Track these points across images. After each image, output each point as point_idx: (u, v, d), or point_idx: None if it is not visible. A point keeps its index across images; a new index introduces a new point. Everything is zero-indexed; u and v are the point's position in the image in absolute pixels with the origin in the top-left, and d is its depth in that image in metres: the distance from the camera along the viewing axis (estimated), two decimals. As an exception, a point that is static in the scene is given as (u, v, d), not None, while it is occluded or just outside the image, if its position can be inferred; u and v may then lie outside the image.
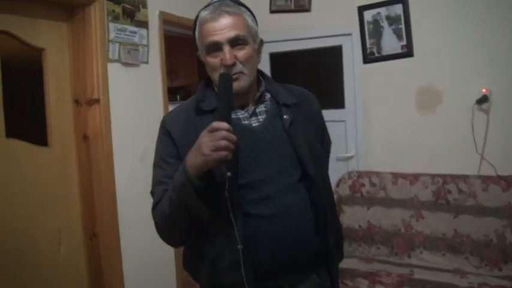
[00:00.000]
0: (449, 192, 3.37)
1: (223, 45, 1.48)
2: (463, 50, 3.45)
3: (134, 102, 3.11)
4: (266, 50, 4.19)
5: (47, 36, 2.73)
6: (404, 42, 3.66)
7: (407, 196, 3.52)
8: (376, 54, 3.78)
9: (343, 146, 4.01)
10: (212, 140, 1.31)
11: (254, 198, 1.50)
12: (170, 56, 5.31)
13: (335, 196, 3.65)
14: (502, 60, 3.32)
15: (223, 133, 1.32)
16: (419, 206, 3.46)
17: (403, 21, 3.64)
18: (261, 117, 1.59)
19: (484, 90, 3.35)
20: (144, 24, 3.14)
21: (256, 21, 1.60)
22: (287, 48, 4.17)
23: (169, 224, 1.49)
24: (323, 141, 1.77)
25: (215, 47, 1.49)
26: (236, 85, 1.47)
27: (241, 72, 1.51)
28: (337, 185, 3.79)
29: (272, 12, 4.09)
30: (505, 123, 3.33)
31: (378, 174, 3.69)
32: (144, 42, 3.15)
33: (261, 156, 1.53)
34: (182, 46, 5.84)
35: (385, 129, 3.81)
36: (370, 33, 3.78)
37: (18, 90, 2.62)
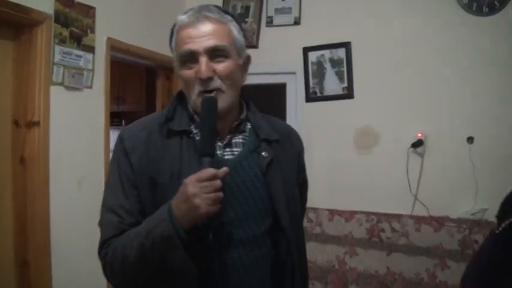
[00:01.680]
0: (383, 230, 3.48)
1: (200, 56, 1.27)
2: (400, 95, 3.62)
3: (75, 127, 3.05)
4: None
5: (-10, 55, 2.66)
6: (345, 85, 3.80)
7: (342, 233, 3.60)
8: (319, 94, 3.90)
9: (283, 181, 4.06)
10: (208, 192, 1.14)
11: (205, 247, 1.26)
12: (118, 81, 5.25)
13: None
14: (437, 107, 3.50)
15: (219, 183, 1.15)
16: (354, 242, 3.54)
17: (345, 65, 3.78)
18: (236, 150, 1.37)
19: (419, 135, 3.51)
20: (90, 49, 3.11)
21: (244, 34, 1.39)
22: (233, 82, 4.22)
23: (131, 273, 1.24)
24: (302, 186, 1.59)
25: (191, 58, 1.28)
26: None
27: (220, 89, 1.29)
28: (276, 220, 3.82)
29: (220, 46, 4.14)
30: (438, 166, 3.49)
31: (315, 210, 3.76)
32: (89, 66, 3.12)
33: (227, 195, 1.23)
34: (131, 71, 5.80)
35: (325, 166, 3.90)
36: (313, 74, 3.91)
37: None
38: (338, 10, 3.82)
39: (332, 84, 3.86)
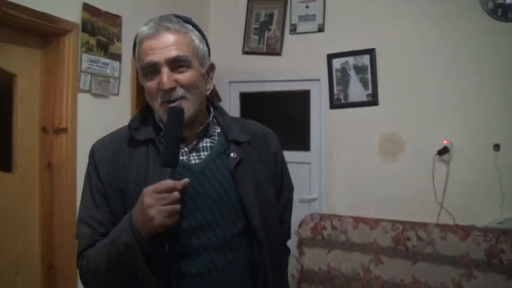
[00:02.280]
0: (409, 239, 3.43)
1: (162, 67, 1.27)
2: (426, 102, 3.59)
3: (101, 134, 3.07)
4: (237, 89, 4.29)
5: (20, 63, 2.72)
6: (370, 91, 3.78)
7: (367, 240, 3.57)
8: (343, 101, 3.89)
9: (307, 188, 4.06)
10: (164, 204, 1.13)
11: (179, 252, 1.27)
12: (142, 88, 5.29)
13: (296, 238, 3.72)
14: (463, 114, 3.47)
15: (177, 195, 1.14)
16: (379, 251, 3.50)
17: (369, 71, 3.77)
18: (204, 154, 1.37)
19: (445, 142, 3.47)
20: (117, 57, 3.16)
21: (206, 42, 1.39)
22: (257, 89, 4.25)
23: (104, 281, 1.26)
24: (281, 187, 1.54)
25: (153, 69, 1.29)
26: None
27: (184, 97, 1.29)
28: (299, 227, 3.81)
29: (245, 53, 4.18)
30: (465, 174, 3.44)
31: (339, 217, 3.74)
32: (116, 74, 3.17)
33: (195, 200, 1.28)
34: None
35: (348, 173, 3.88)
36: (337, 80, 3.90)
37: (-15, 114, 2.60)
38: (362, 17, 3.82)
39: (356, 91, 3.85)
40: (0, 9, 2.36)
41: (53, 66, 2.82)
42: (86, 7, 2.90)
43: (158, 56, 1.27)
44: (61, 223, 2.82)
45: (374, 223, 3.59)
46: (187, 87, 1.30)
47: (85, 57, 2.91)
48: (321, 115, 4.03)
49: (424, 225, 3.44)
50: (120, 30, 3.18)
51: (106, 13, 3.06)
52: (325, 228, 3.74)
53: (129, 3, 3.33)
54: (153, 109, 1.37)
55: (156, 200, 1.13)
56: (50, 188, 2.83)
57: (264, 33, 4.16)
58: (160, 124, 1.38)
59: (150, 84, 1.30)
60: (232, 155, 1.36)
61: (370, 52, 3.77)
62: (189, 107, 1.30)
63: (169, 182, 1.14)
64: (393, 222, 3.54)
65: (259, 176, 1.40)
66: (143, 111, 1.43)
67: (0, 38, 2.59)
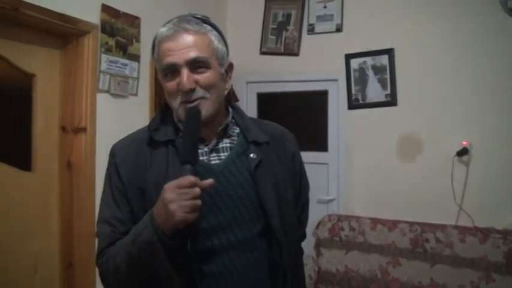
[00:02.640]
0: (427, 240, 3.40)
1: (181, 68, 1.29)
2: (445, 102, 3.55)
3: (120, 133, 3.07)
4: (254, 90, 4.29)
5: (39, 63, 2.75)
6: (388, 92, 3.75)
7: (385, 242, 3.54)
8: (361, 101, 3.87)
9: (324, 188, 4.05)
10: (185, 199, 1.14)
11: (199, 251, 1.27)
12: (160, 88, 5.33)
13: (314, 239, 3.71)
14: (483, 114, 3.42)
15: (198, 191, 1.16)
16: (397, 252, 3.48)
17: (388, 72, 3.74)
18: (224, 154, 1.38)
19: (464, 143, 3.43)
20: (135, 58, 3.19)
21: (225, 42, 1.40)
22: (274, 90, 4.25)
23: (124, 280, 1.27)
24: (300, 187, 1.55)
25: (172, 70, 1.30)
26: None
27: (203, 98, 1.31)
28: (317, 228, 3.80)
29: (262, 53, 4.18)
30: (484, 176, 3.40)
31: (357, 218, 3.72)
32: (135, 75, 3.19)
33: (215, 200, 1.29)
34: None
35: (367, 174, 3.86)
36: (355, 81, 3.88)
37: (6, 113, 2.63)
38: (380, 16, 3.79)
39: (375, 91, 3.82)
40: (20, 10, 2.40)
41: (73, 66, 2.85)
42: (105, 8, 2.93)
43: (177, 58, 1.29)
44: (80, 222, 2.85)
45: (392, 224, 3.57)
46: (206, 87, 1.31)
47: (104, 57, 2.93)
48: (338, 115, 4.01)
49: (442, 227, 3.40)
50: (138, 31, 3.20)
51: (125, 14, 3.08)
52: (342, 229, 3.73)
53: (148, 4, 3.36)
54: (171, 109, 1.39)
55: (177, 195, 1.14)
56: (69, 187, 2.87)
57: (281, 33, 4.16)
58: (179, 124, 1.39)
59: (170, 85, 1.32)
60: (252, 155, 1.37)
61: (389, 52, 3.74)
62: (208, 107, 1.32)
63: (190, 178, 1.15)
64: (411, 223, 3.51)
65: (278, 177, 1.41)
66: (162, 111, 1.45)
67: (20, 38, 2.63)
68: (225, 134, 1.41)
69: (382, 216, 3.66)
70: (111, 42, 2.98)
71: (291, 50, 4.11)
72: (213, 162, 1.36)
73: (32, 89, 2.74)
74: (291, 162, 1.50)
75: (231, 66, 1.44)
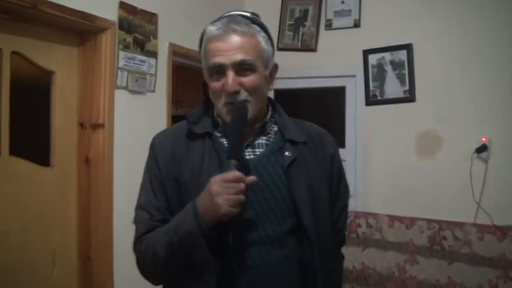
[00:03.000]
0: (445, 238, 3.38)
1: (227, 70, 1.29)
2: (464, 98, 3.50)
3: (138, 130, 3.15)
4: (271, 86, 4.27)
5: (58, 60, 2.79)
6: (406, 88, 3.72)
7: (402, 240, 3.52)
8: (379, 97, 3.84)
9: (341, 185, 4.02)
10: (231, 193, 1.17)
11: (226, 245, 1.27)
12: (176, 84, 5.36)
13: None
14: (503, 111, 3.37)
15: (243, 186, 1.18)
16: (414, 250, 3.46)
17: (406, 67, 3.70)
18: (258, 151, 1.38)
19: (483, 139, 3.38)
20: (153, 54, 3.20)
21: (272, 43, 1.41)
22: (291, 86, 4.23)
23: (161, 267, 1.31)
24: (337, 191, 1.52)
25: (218, 70, 1.31)
26: None
27: (246, 101, 1.32)
28: (334, 224, 3.79)
29: (279, 49, 4.16)
30: (503, 173, 3.35)
31: (374, 215, 3.70)
32: (152, 71, 3.21)
33: (247, 195, 1.24)
34: (189, 75, 5.90)
35: (384, 171, 3.83)
36: (373, 77, 3.85)
37: (25, 109, 2.67)
38: (399, 11, 3.75)
39: (393, 87, 3.79)
40: (39, 8, 2.43)
41: (91, 63, 2.88)
42: (123, 5, 2.95)
43: (224, 59, 1.29)
44: (97, 216, 2.89)
45: (410, 222, 3.54)
46: (250, 90, 1.32)
47: (122, 54, 2.95)
48: (356, 112, 3.98)
49: (460, 225, 3.37)
50: (156, 28, 3.22)
51: (142, 11, 3.10)
52: (360, 226, 3.72)
53: (165, 0, 3.37)
54: (212, 104, 1.41)
55: (224, 189, 1.17)
56: (87, 183, 2.90)
57: (298, 29, 4.14)
58: (219, 120, 1.41)
59: (215, 85, 1.33)
60: (286, 153, 1.37)
61: (407, 47, 3.70)
62: (251, 110, 1.33)
63: (236, 173, 1.18)
64: (429, 221, 3.48)
65: (313, 177, 1.40)
66: (203, 105, 1.47)
67: (39, 36, 2.67)
68: (262, 131, 1.42)
69: (400, 213, 3.63)
70: (129, 39, 3.00)
71: (308, 46, 4.10)
72: (247, 157, 1.37)
73: (50, 86, 2.78)
74: (329, 164, 1.49)
75: (275, 67, 1.45)
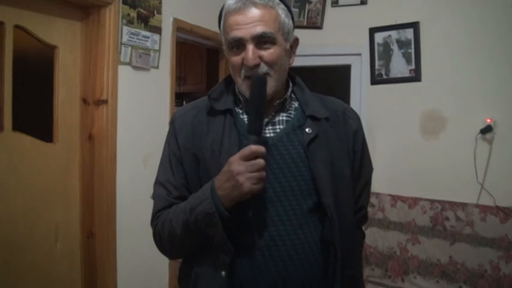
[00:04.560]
0: (447, 219, 3.38)
1: (247, 43, 1.27)
2: (470, 79, 3.47)
3: (141, 106, 3.13)
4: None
5: (61, 34, 2.76)
6: (412, 67, 3.68)
7: (405, 219, 3.53)
8: (384, 76, 3.80)
9: (344, 164, 4.02)
10: (252, 171, 1.16)
11: (245, 223, 1.27)
12: (179, 61, 5.34)
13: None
14: (508, 92, 3.33)
15: (263, 162, 1.18)
16: (416, 230, 3.47)
17: (413, 46, 3.66)
18: (279, 127, 1.36)
19: (488, 120, 3.36)
20: (157, 30, 3.17)
21: (292, 17, 1.37)
22: (297, 64, 4.17)
23: (177, 243, 1.34)
24: (360, 168, 1.49)
25: (238, 44, 1.29)
26: None
27: (267, 74, 1.30)
28: (336, 203, 3.80)
29: (284, 26, 4.11)
30: (507, 154, 3.33)
31: (377, 195, 3.70)
32: (156, 47, 3.18)
33: (266, 172, 1.22)
34: (192, 52, 5.88)
35: (388, 151, 3.82)
36: (379, 55, 3.81)
37: (28, 85, 2.65)
38: (406, -11, 3.69)
39: (399, 66, 3.75)
40: (42, -19, 2.39)
41: (94, 38, 2.85)
42: (127, -21, 2.90)
43: (244, 32, 1.27)
44: (101, 192, 2.89)
45: (412, 202, 3.55)
46: (271, 64, 1.30)
47: (125, 29, 2.92)
48: (361, 91, 3.96)
49: (463, 205, 3.37)
50: (160, 3, 3.18)
51: (146, -15, 3.06)
52: (362, 205, 3.72)
53: (170, -25, 3.32)
54: (232, 81, 1.40)
55: (245, 167, 1.16)
56: (90, 159, 2.90)
57: (304, 5, 4.09)
58: (240, 96, 1.40)
59: (235, 59, 1.31)
60: (307, 130, 1.34)
61: (414, 26, 3.65)
62: (271, 84, 1.31)
63: (252, 147, 1.17)
64: (432, 201, 3.49)
65: (335, 154, 1.37)
66: (224, 82, 1.45)
67: (42, 10, 2.64)
68: (282, 107, 1.40)
69: (403, 193, 3.63)
70: (133, 14, 2.96)
71: (314, 23, 4.05)
72: (267, 135, 1.35)
73: (53, 61, 2.75)
74: (351, 141, 1.45)
75: (296, 42, 1.41)
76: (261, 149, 1.18)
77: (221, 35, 1.37)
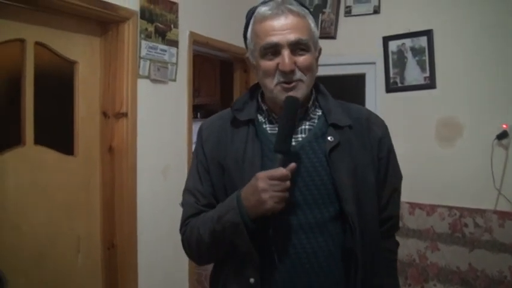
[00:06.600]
0: (466, 225, 3.37)
1: (283, 49, 1.28)
2: (485, 85, 3.47)
3: (160, 118, 3.17)
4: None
5: (80, 50, 2.81)
6: (427, 74, 3.69)
7: (423, 227, 3.52)
8: (399, 84, 3.82)
9: (361, 172, 4.02)
10: (276, 191, 1.19)
11: (267, 231, 1.29)
12: (194, 74, 5.39)
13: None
14: (524, 97, 3.33)
15: (288, 184, 1.21)
16: (435, 237, 3.46)
17: (427, 53, 3.67)
18: (301, 136, 1.37)
19: (504, 126, 3.35)
20: (174, 43, 3.22)
21: (317, 27, 1.41)
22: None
23: (204, 250, 1.37)
24: (385, 176, 1.47)
25: (273, 50, 1.30)
26: (292, 94, 1.29)
27: (300, 80, 1.31)
28: (353, 212, 3.80)
29: (298, 37, 4.14)
30: (524, 160, 3.33)
31: (394, 203, 3.69)
32: (174, 60, 3.23)
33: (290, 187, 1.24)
34: (206, 65, 5.93)
35: (405, 158, 3.74)
36: (394, 63, 3.82)
37: (49, 99, 2.70)
38: (419, -3, 3.71)
39: (413, 74, 3.76)
40: (62, -2, 2.45)
41: (113, 53, 2.89)
42: (144, -6, 2.96)
43: (280, 38, 1.28)
44: (121, 204, 2.92)
45: (430, 209, 3.54)
46: (305, 70, 1.32)
47: (144, 43, 2.97)
48: (376, 99, 3.97)
49: (481, 211, 3.36)
50: (176, 17, 3.23)
51: (163, 0, 3.11)
52: (379, 213, 3.71)
53: (185, -11, 3.37)
54: (257, 91, 1.44)
55: (270, 186, 1.19)
56: (110, 171, 2.93)
57: (318, 16, 4.12)
58: (263, 105, 1.43)
59: (269, 64, 1.31)
60: (329, 138, 1.34)
61: (428, 33, 3.67)
62: (303, 90, 1.33)
63: (283, 171, 1.20)
64: (450, 208, 3.48)
65: (359, 162, 1.37)
66: (249, 92, 1.48)
67: (62, 26, 2.69)
68: (305, 116, 1.40)
69: (421, 200, 3.62)
70: (151, 28, 3.01)
71: (328, 33, 4.08)
72: None
73: (73, 76, 2.81)
74: (375, 148, 1.44)
75: (320, 51, 1.43)
76: (289, 174, 1.21)
77: (249, 41, 1.38)
